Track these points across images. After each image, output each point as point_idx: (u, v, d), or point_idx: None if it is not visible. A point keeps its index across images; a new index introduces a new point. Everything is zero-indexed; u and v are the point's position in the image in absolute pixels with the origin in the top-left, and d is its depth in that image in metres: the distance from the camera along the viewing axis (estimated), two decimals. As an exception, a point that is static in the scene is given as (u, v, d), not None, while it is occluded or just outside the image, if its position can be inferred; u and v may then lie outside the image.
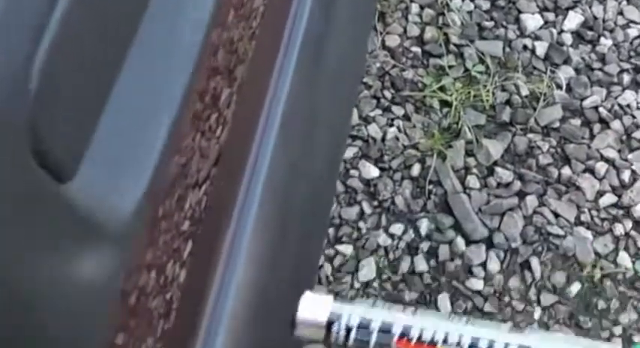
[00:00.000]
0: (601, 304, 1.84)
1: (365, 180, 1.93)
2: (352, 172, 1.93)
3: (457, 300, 1.84)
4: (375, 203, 1.91)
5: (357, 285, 1.84)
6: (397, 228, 1.89)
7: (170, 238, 0.85)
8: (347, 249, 1.87)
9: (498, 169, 1.94)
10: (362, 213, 1.90)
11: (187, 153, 0.85)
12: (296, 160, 1.08)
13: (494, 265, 1.86)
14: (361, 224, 1.89)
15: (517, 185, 1.93)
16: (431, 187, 1.92)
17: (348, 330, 0.54)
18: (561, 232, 1.89)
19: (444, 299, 1.83)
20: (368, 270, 1.85)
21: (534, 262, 1.86)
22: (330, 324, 0.54)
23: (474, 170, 1.93)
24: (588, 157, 1.96)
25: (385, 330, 0.54)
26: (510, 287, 1.85)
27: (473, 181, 1.92)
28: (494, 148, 1.95)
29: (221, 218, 0.96)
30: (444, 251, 1.87)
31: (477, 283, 1.85)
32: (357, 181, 1.92)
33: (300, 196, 1.13)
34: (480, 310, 1.83)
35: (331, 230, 1.88)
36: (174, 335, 0.87)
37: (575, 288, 1.85)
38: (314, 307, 0.54)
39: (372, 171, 1.93)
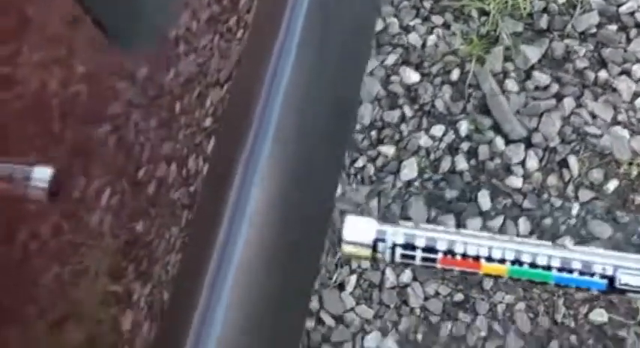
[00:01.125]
0: (637, 200, 1.87)
1: (406, 85, 1.97)
2: (393, 78, 1.98)
3: (497, 197, 1.89)
4: (416, 107, 1.96)
5: (399, 184, 1.90)
6: (438, 129, 1.94)
7: (191, 134, 0.89)
8: (389, 150, 1.93)
9: (536, 73, 1.97)
10: (403, 116, 1.95)
11: (206, 53, 0.89)
12: (317, 60, 1.11)
13: (532, 164, 1.90)
14: (403, 127, 1.94)
15: (554, 88, 1.96)
16: (470, 90, 1.96)
17: (394, 248, 0.55)
18: (598, 132, 1.92)
19: (484, 196, 1.88)
20: (409, 170, 1.91)
21: (572, 160, 1.90)
22: (376, 242, 0.55)
23: (512, 74, 1.97)
24: (625, 60, 1.98)
25: (430, 247, 0.55)
26: (549, 184, 1.89)
27: (511, 85, 1.96)
28: (532, 53, 1.98)
29: (243, 116, 1.00)
30: (483, 151, 1.91)
31: (516, 181, 1.90)
32: (399, 86, 1.97)
33: (324, 98, 1.16)
34: (518, 206, 1.88)
35: (374, 132, 1.94)
36: (199, 225, 0.92)
37: (612, 185, 1.89)
38: (360, 227, 0.55)
39: (412, 76, 1.98)
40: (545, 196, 1.89)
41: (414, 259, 0.55)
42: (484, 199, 1.88)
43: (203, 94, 0.90)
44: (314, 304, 1.81)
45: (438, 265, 0.54)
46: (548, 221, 1.87)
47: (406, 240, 0.55)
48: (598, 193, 1.89)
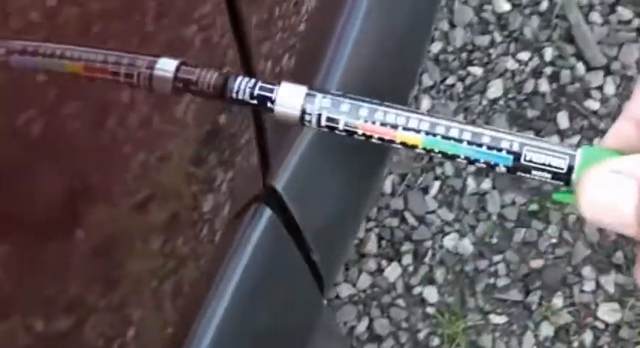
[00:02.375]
0: None
1: (497, 13, 2.10)
2: (486, 6, 2.10)
3: (575, 118, 2.01)
4: (506, 33, 2.08)
5: (484, 102, 2.03)
6: (524, 55, 2.06)
7: (287, 36, 0.90)
8: (477, 71, 2.06)
9: (619, 8, 2.08)
10: (492, 41, 2.08)
11: None
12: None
13: (610, 89, 2.02)
14: (491, 50, 2.07)
15: (636, 22, 2.07)
16: (557, 20, 2.07)
17: (320, 111, 0.55)
18: (675, 64, 2.02)
19: (562, 117, 2.00)
20: (495, 89, 2.04)
21: (648, 89, 2.00)
22: (304, 108, 0.55)
23: (598, 7, 2.08)
24: None
25: (352, 114, 0.54)
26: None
27: (595, 17, 2.07)
28: (618, -11, 2.08)
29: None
30: (565, 75, 2.03)
31: (593, 104, 2.01)
32: (490, 14, 2.09)
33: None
34: (595, 128, 1.99)
35: (464, 54, 2.07)
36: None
37: (684, 113, 1.99)
38: (290, 94, 0.55)
39: (504, 6, 2.10)
40: (621, 119, 1.99)
41: (337, 123, 0.54)
42: (563, 120, 2.00)
43: (300, 2, 0.93)
44: (399, 203, 1.95)
45: (359, 130, 0.54)
46: (621, 143, 1.98)
47: (332, 105, 0.54)
48: (671, 119, 1.99)
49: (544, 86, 2.03)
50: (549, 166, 0.52)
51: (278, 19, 0.88)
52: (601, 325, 1.86)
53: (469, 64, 2.07)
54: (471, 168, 1.97)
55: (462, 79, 2.06)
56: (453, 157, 0.55)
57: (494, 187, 1.97)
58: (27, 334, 0.62)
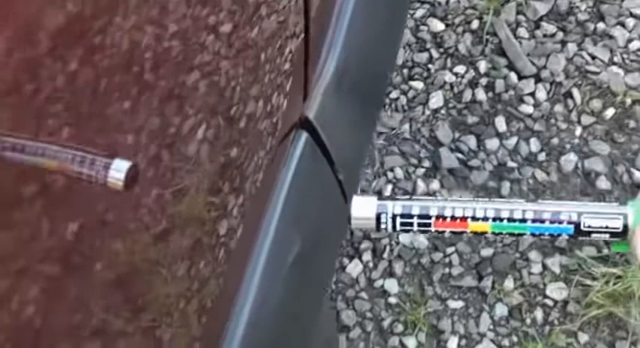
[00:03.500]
0: (632, 124, 2.13)
1: (433, 33, 2.26)
2: (422, 27, 2.26)
3: (511, 121, 2.15)
4: (442, 50, 2.24)
5: (427, 112, 2.17)
6: (460, 68, 2.22)
7: (274, 77, 1.00)
8: (418, 85, 2.21)
9: (544, 24, 2.25)
10: (430, 57, 2.23)
11: (285, 12, 1.00)
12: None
13: (541, 95, 2.17)
14: (430, 66, 2.22)
15: (560, 35, 2.24)
16: (488, 36, 2.24)
17: (394, 218, 0.60)
18: (597, 70, 2.19)
19: (500, 121, 2.15)
20: (437, 100, 2.18)
21: (575, 92, 2.17)
22: (379, 216, 0.61)
23: (524, 24, 2.25)
24: (619, 14, 2.25)
25: (424, 215, 0.59)
26: (555, 111, 2.16)
27: (523, 32, 2.24)
28: (541, 7, 2.26)
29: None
30: (499, 84, 2.19)
31: (527, 109, 2.16)
32: (427, 34, 2.25)
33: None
34: (530, 129, 2.14)
35: (405, 71, 2.22)
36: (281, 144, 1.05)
37: (609, 112, 2.15)
38: (364, 206, 0.61)
39: (438, 25, 2.26)
40: (553, 120, 2.15)
41: (412, 226, 0.60)
42: (500, 123, 2.15)
43: (283, 45, 1.01)
44: (356, 206, 2.06)
45: (432, 229, 0.59)
46: (555, 141, 2.13)
47: (403, 210, 0.60)
48: (598, 118, 2.15)
49: (481, 95, 2.18)
50: (607, 227, 0.58)
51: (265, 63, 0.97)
52: (550, 303, 1.98)
53: (410, 79, 2.22)
54: (420, 171, 2.10)
55: (404, 93, 2.20)
56: (520, 235, 0.62)
57: (442, 186, 2.09)
58: None
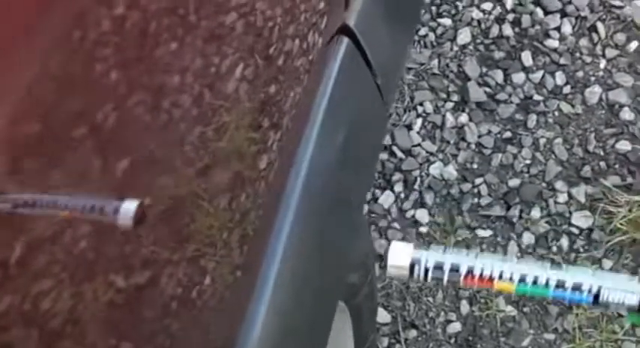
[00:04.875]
0: (655, 56, 2.12)
1: (460, -30, 2.24)
2: (450, -35, 2.24)
3: (537, 56, 2.14)
4: (470, -13, 2.22)
5: (455, 48, 2.16)
6: (487, 5, 2.20)
7: (310, 15, 1.01)
8: (447, 21, 2.20)
9: (569, -40, 2.22)
10: (458, -6, 2.22)
11: None
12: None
13: (567, 29, 2.16)
14: (458, 3, 2.21)
15: (585, -29, 2.21)
16: (514, -27, 2.21)
17: (426, 270, 0.61)
18: (621, 4, 2.17)
19: (526, 56, 2.14)
20: (464, 36, 2.17)
21: (600, 26, 2.15)
22: (412, 266, 0.62)
23: (549, -40, 2.22)
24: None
25: (454, 269, 0.61)
26: (580, 45, 2.15)
27: (548, -32, 2.21)
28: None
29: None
30: (525, 20, 2.17)
31: (553, 43, 2.15)
32: (454, -29, 2.23)
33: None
34: (555, 63, 2.13)
35: (433, 8, 2.20)
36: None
37: (633, 45, 2.14)
38: (399, 254, 0.62)
39: (465, -37, 2.24)
40: (578, 54, 2.14)
41: (442, 279, 0.62)
42: (527, 58, 2.14)
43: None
44: (386, 140, 2.07)
45: (461, 284, 0.61)
46: (580, 74, 2.12)
47: (435, 265, 0.61)
48: (621, 51, 2.14)
49: (507, 30, 2.17)
50: (624, 303, 0.60)
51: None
52: (575, 231, 1.99)
53: (439, 16, 2.21)
54: (449, 104, 2.10)
55: (433, 30, 2.19)
56: (542, 298, 0.65)
57: (470, 120, 2.09)
58: (110, 289, 0.68)
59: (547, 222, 2.00)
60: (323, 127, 1.01)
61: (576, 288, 0.60)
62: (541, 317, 1.92)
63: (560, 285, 0.60)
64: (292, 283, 0.97)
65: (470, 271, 0.61)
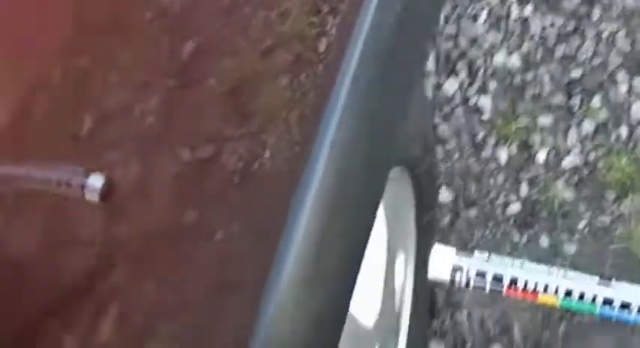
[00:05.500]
0: None
1: None
2: None
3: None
4: None
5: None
6: None
7: None
8: None
9: None
10: None
11: None
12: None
13: None
14: None
15: None
16: None
17: (468, 278, 0.59)
18: None
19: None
20: None
21: None
22: (454, 272, 0.60)
23: None
24: None
25: (497, 279, 0.58)
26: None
27: None
28: None
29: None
30: None
31: None
32: None
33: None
34: (622, -45, 2.14)
35: None
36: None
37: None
38: (442, 259, 0.60)
39: None
40: (645, -54, 2.14)
41: (484, 288, 0.59)
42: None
43: None
44: (452, 29, 2.11)
45: (504, 294, 0.58)
46: (646, -34, 2.12)
47: (477, 273, 0.59)
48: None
49: None
50: None
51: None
52: (634, 120, 2.03)
53: None
54: (515, -5, 2.13)
55: None
56: (587, 314, 0.58)
57: (535, 12, 2.12)
58: (176, 162, 0.72)
59: (607, 111, 2.04)
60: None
61: (625, 306, 0.57)
62: (598, 201, 1.98)
63: (607, 302, 0.57)
64: (346, 146, 1.03)
65: (514, 282, 0.57)
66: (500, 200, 1.99)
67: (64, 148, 0.59)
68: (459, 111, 2.08)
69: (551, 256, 1.92)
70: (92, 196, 0.60)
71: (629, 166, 1.98)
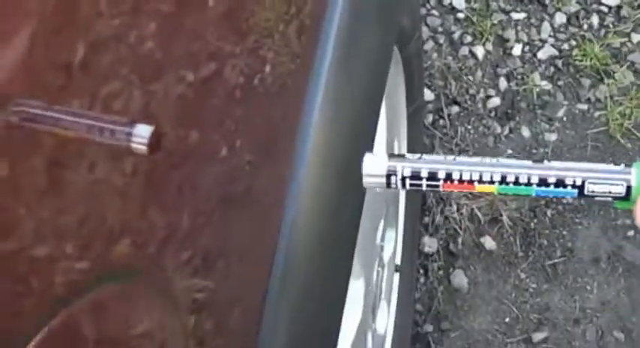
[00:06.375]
0: None
1: None
2: None
3: None
4: None
5: None
6: None
7: None
8: None
9: None
10: None
11: None
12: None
13: None
14: None
15: None
16: None
17: (403, 179, 0.58)
18: None
19: None
20: None
21: None
22: (388, 176, 0.59)
23: None
24: None
25: (432, 177, 0.58)
26: None
27: None
28: None
29: None
30: None
31: None
32: None
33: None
34: None
35: None
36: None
37: None
38: (374, 165, 0.59)
39: None
40: None
41: (421, 186, 0.59)
42: None
43: None
44: None
45: (441, 189, 0.58)
46: None
47: (412, 173, 0.58)
48: None
49: None
50: (610, 193, 0.57)
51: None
52: (605, 9, 2.05)
53: None
54: None
55: None
56: (526, 196, 0.60)
57: None
58: (180, 84, 0.70)
59: (578, 2, 2.06)
60: None
61: (560, 184, 0.58)
62: (574, 89, 2.01)
63: (542, 182, 0.58)
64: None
65: (449, 177, 0.59)
66: (481, 95, 2.03)
67: (57, 80, 0.56)
68: (434, 12, 2.09)
69: (533, 145, 1.96)
70: (139, 146, 0.56)
71: (602, 53, 2.01)
